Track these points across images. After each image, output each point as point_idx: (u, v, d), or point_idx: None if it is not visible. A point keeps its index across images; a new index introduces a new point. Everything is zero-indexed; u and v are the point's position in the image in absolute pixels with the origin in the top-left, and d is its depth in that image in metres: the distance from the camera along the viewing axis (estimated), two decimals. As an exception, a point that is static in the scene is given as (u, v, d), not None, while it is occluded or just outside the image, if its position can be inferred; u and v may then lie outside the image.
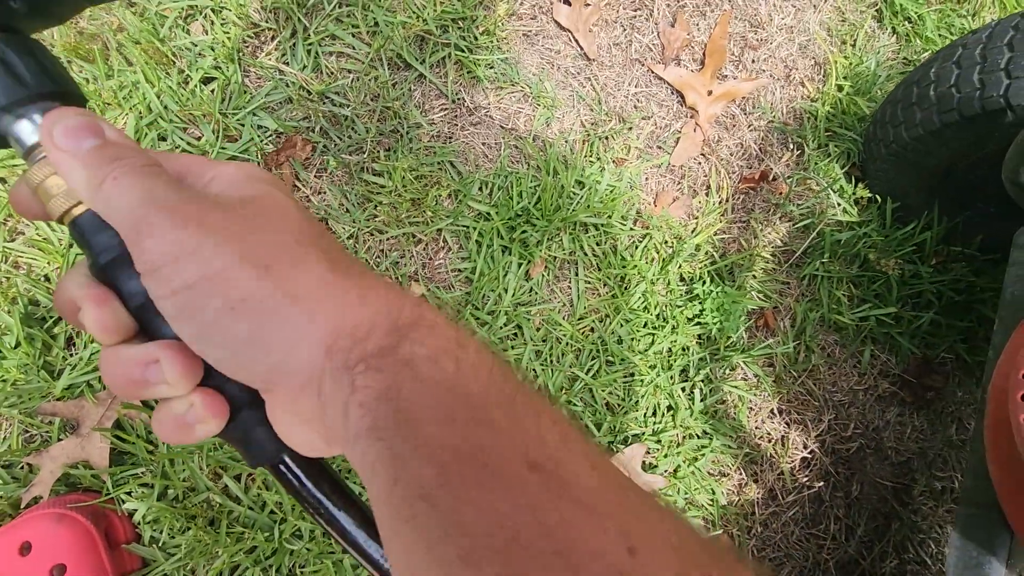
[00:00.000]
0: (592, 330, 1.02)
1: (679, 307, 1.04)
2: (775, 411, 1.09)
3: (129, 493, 0.80)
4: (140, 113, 0.89)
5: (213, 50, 0.93)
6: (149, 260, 0.24)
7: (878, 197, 1.12)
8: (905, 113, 0.97)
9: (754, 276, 1.11)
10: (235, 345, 0.24)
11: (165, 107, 0.91)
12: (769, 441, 1.08)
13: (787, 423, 1.10)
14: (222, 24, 0.95)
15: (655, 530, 0.21)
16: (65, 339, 0.83)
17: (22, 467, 0.79)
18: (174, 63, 0.91)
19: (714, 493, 1.01)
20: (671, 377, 1.03)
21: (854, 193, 1.14)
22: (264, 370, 0.25)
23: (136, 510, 0.80)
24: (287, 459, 0.29)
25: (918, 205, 1.12)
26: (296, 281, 0.24)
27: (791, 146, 1.18)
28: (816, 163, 1.15)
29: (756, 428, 1.08)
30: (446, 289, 0.97)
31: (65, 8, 0.30)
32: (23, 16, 0.27)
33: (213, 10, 0.94)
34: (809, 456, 1.08)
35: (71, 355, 0.83)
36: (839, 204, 1.14)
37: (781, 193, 1.15)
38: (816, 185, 1.16)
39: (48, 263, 0.84)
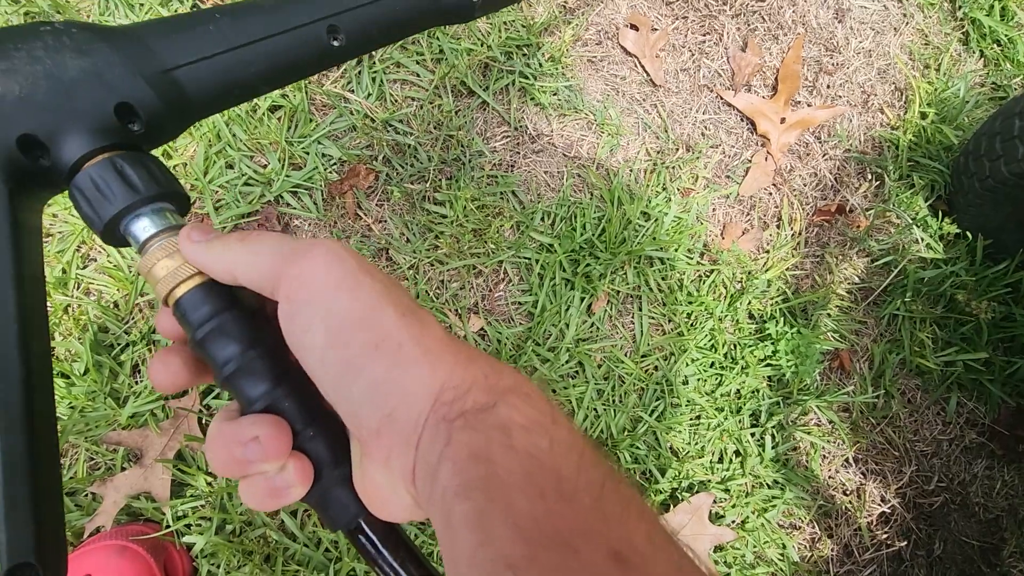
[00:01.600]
0: (656, 368, 0.97)
1: (748, 347, 0.99)
2: (850, 460, 1.02)
3: (188, 526, 0.80)
4: (209, 141, 0.90)
5: (281, 78, 0.93)
6: (314, 287, 0.26)
7: (968, 233, 1.05)
8: (1005, 147, 0.90)
9: (828, 315, 1.04)
10: (369, 384, 0.25)
11: (233, 135, 0.91)
12: (845, 493, 1.01)
13: (863, 473, 1.02)
14: (290, 52, 0.95)
15: None
16: (131, 367, 0.83)
17: (86, 495, 0.79)
18: (244, 92, 0.92)
19: (785, 547, 0.95)
20: (740, 421, 0.97)
21: (940, 228, 1.06)
22: (382, 415, 0.25)
23: (195, 543, 0.79)
24: (364, 524, 0.29)
25: (1013, 242, 1.03)
26: (425, 332, 0.26)
27: (869, 177, 1.11)
28: (897, 195, 1.08)
29: (830, 478, 1.01)
30: (506, 323, 0.94)
31: (175, 131, 0.36)
32: (141, 138, 0.33)
33: (282, 39, 0.94)
34: (889, 511, 1.01)
35: (136, 383, 0.83)
36: (923, 240, 1.07)
37: (859, 227, 1.08)
38: (897, 218, 1.09)
39: (118, 290, 0.84)
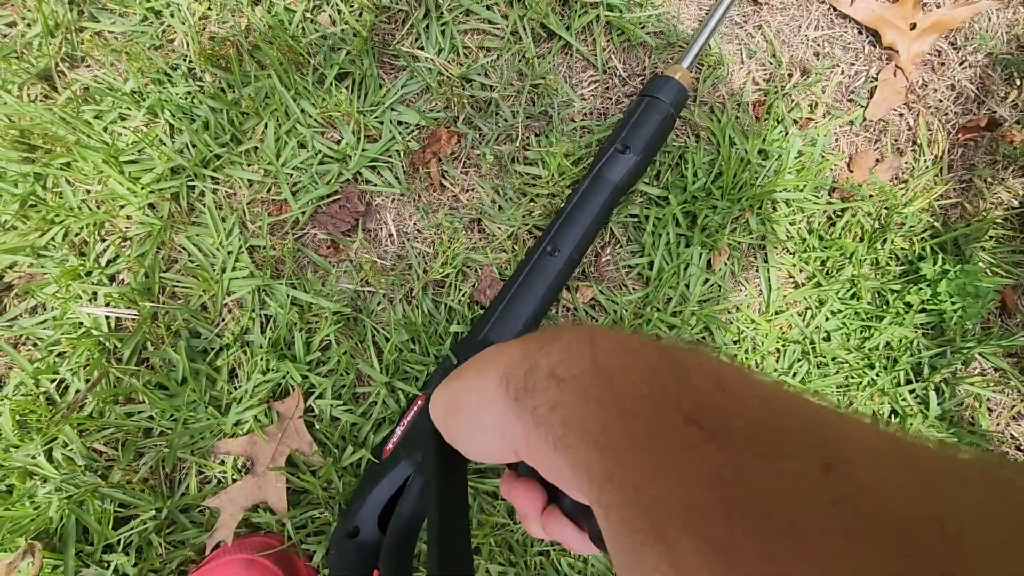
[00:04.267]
0: (791, 326, 0.86)
1: (897, 292, 0.86)
2: (1022, 412, 0.89)
3: (309, 535, 0.74)
4: (278, 120, 0.82)
5: (345, 41, 0.84)
6: None
7: None
8: None
9: (983, 248, 0.90)
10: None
11: (302, 110, 0.83)
12: (1018, 448, 0.89)
13: (1038, 425, 0.90)
14: (351, 11, 0.85)
15: None
16: (228, 371, 0.77)
17: (201, 511, 0.75)
18: (309, 61, 0.83)
19: (957, 515, 0.84)
20: (894, 378, 0.85)
21: (1116, 133, 0.90)
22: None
23: (314, 552, 0.74)
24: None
25: None
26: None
27: (1018, 82, 0.95)
28: (1058, 100, 0.92)
29: (999, 433, 0.89)
30: (619, 290, 0.84)
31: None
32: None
33: (341, -3, 0.85)
34: (1075, 466, 0.88)
35: (235, 388, 0.77)
36: (1094, 149, 0.90)
37: (1011, 142, 0.93)
38: (1058, 128, 0.92)
39: (204, 291, 0.78)
